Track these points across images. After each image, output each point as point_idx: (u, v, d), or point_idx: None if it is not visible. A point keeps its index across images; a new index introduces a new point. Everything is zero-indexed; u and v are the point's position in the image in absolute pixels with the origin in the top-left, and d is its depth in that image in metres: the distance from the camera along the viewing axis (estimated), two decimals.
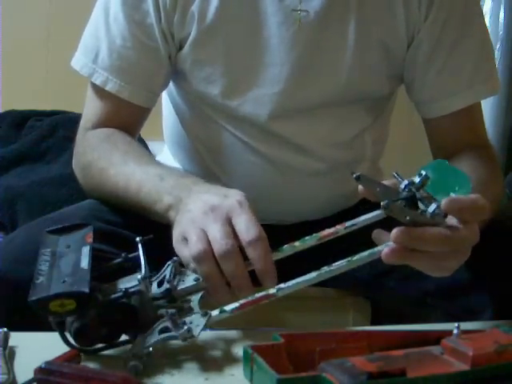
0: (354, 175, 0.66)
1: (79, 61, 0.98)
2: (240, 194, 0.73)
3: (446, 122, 1.01)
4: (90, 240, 0.67)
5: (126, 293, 0.62)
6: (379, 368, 0.50)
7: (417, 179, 0.66)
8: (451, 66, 0.98)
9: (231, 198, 0.72)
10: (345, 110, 1.00)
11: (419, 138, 1.08)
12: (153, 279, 0.66)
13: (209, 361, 0.64)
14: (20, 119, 1.75)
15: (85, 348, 0.62)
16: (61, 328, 0.61)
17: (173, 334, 0.61)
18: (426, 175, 0.65)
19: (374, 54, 0.97)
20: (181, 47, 0.96)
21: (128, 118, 0.98)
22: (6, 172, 1.63)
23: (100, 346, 0.63)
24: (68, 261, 0.64)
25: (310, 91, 0.96)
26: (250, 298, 0.65)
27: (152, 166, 0.86)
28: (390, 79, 1.01)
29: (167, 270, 0.67)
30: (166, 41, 0.95)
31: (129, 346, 0.62)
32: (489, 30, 1.04)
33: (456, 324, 0.58)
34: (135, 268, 0.66)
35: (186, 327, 0.61)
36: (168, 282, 0.65)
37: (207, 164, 1.04)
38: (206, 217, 0.70)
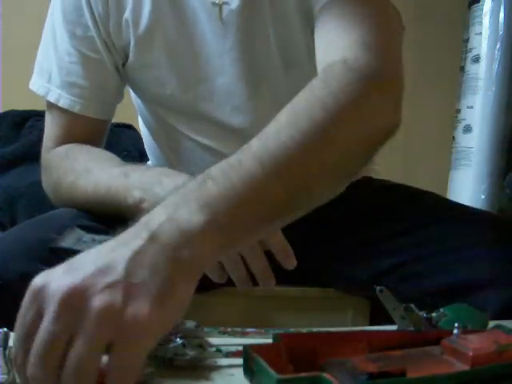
0: (378, 288, 0.66)
1: (36, 82, 1.02)
2: None
3: (321, 28, 0.87)
4: None
5: None
6: (379, 368, 0.50)
7: (434, 314, 0.68)
8: None
9: None
10: (292, 89, 0.99)
11: (419, 138, 1.08)
12: None
13: (209, 361, 0.64)
14: (20, 119, 1.75)
15: None
16: None
17: (166, 346, 0.61)
18: (443, 312, 0.68)
19: (293, 22, 0.95)
20: (127, 56, 0.99)
21: (86, 131, 1.01)
22: (6, 172, 1.63)
23: None
24: (92, 244, 0.64)
25: (252, 77, 0.98)
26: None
27: (115, 167, 0.89)
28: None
29: None
30: (110, 51, 0.99)
31: None
32: (489, 30, 1.04)
33: (456, 324, 0.58)
34: None
35: (180, 341, 0.62)
36: None
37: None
38: None
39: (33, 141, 1.66)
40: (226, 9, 0.95)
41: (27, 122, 1.74)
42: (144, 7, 0.96)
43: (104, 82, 1.00)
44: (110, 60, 0.99)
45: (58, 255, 0.60)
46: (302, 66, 1.01)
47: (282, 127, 0.63)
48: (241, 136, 0.99)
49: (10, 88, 1.92)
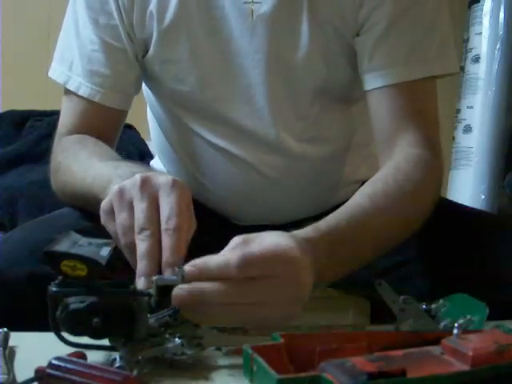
0: (376, 281, 0.68)
1: (56, 70, 1.01)
2: (178, 179, 0.71)
3: (382, 101, 0.94)
4: (113, 245, 0.67)
5: (135, 291, 0.62)
6: (379, 368, 0.50)
7: (433, 305, 0.69)
8: (390, 37, 0.93)
9: (168, 176, 0.71)
10: (313, 101, 1.00)
11: None
12: (153, 315, 0.65)
13: (209, 361, 0.64)
14: (20, 119, 1.75)
15: (68, 340, 0.61)
16: (53, 309, 0.60)
17: (164, 347, 0.61)
18: (442, 303, 0.69)
19: (328, 37, 0.96)
20: (147, 48, 0.98)
21: (103, 122, 1.00)
22: (6, 172, 1.63)
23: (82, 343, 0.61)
24: (88, 248, 0.64)
25: (275, 82, 0.97)
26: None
27: (113, 160, 0.86)
28: (349, 65, 0.98)
29: (170, 311, 0.66)
30: (132, 41, 0.97)
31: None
32: (489, 30, 1.03)
33: (456, 324, 0.58)
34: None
35: (178, 341, 0.61)
36: (169, 316, 0.65)
37: (191, 172, 1.05)
38: (134, 189, 0.69)
39: (33, 141, 1.67)
40: (257, 9, 0.93)
41: (27, 122, 1.74)
42: (171, 0, 0.94)
43: (125, 72, 0.99)
44: (131, 49, 0.97)
45: (52, 259, 0.60)
46: (331, 93, 1.00)
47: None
48: (254, 138, 0.99)
49: (10, 88, 1.92)
